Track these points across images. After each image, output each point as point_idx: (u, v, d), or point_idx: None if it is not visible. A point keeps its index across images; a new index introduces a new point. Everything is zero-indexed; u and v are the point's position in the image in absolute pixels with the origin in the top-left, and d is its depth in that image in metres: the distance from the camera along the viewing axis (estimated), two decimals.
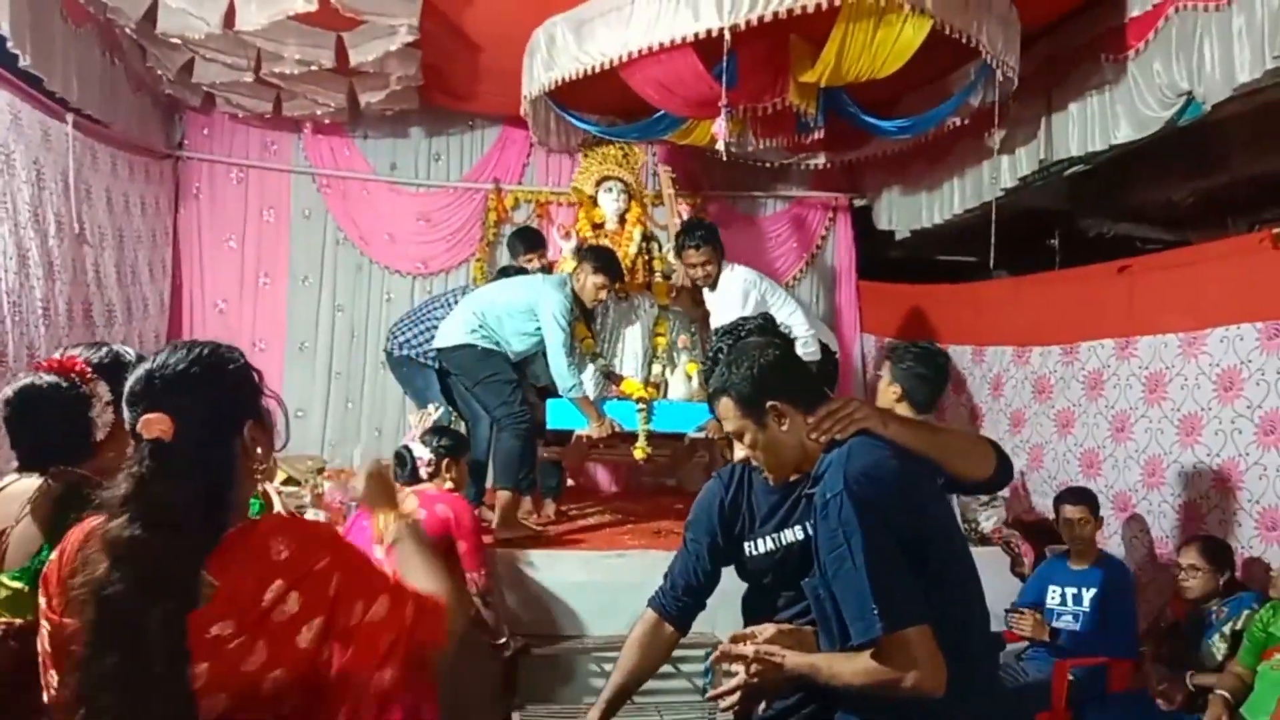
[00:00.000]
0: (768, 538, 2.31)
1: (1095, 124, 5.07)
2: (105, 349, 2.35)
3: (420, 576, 1.63)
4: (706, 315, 5.52)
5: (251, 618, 1.41)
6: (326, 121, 6.44)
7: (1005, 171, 5.70)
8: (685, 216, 6.14)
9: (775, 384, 2.15)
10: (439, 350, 5.05)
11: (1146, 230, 6.65)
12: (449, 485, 4.06)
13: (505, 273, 5.78)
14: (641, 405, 5.26)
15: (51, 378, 2.20)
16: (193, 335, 6.39)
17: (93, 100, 5.01)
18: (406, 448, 4.08)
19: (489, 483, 5.13)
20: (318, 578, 1.45)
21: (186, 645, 1.36)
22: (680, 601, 2.46)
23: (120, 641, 1.36)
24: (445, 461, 4.02)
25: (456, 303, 5.31)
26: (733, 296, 5.16)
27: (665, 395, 5.55)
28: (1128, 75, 4.80)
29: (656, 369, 5.78)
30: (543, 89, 5.10)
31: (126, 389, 1.52)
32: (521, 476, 4.89)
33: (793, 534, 2.26)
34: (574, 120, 5.88)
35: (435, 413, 5.45)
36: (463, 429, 5.69)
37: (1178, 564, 4.17)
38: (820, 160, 6.60)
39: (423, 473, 4.01)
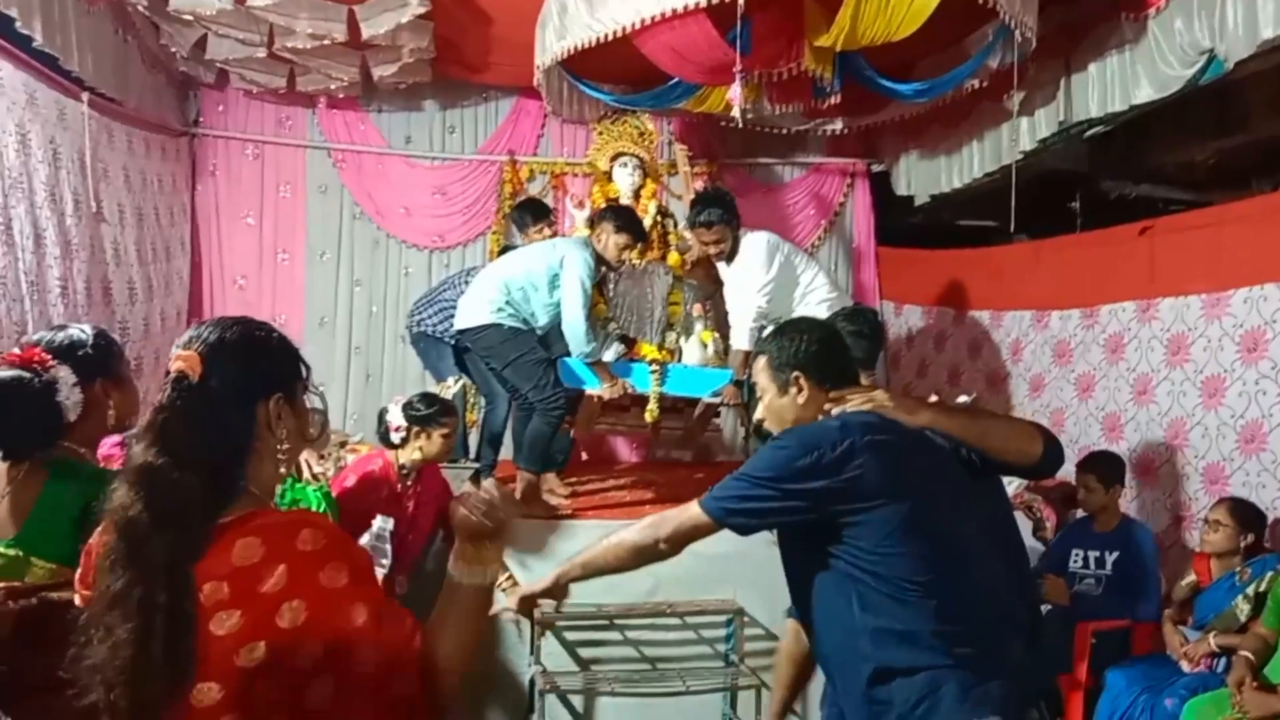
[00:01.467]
0: None
1: (1115, 84, 5.00)
2: (62, 332, 2.39)
3: (451, 630, 1.56)
4: (721, 286, 5.48)
5: (248, 592, 1.40)
6: (340, 96, 6.43)
7: (1024, 134, 5.64)
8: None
9: (807, 359, 2.35)
10: (461, 331, 4.88)
11: (1167, 191, 6.57)
12: (417, 455, 4.08)
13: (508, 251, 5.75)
14: (655, 367, 5.22)
15: (13, 372, 2.23)
16: (213, 312, 6.47)
17: (107, 79, 5.02)
18: (385, 409, 4.14)
19: (503, 456, 5.17)
20: (325, 591, 1.43)
21: (193, 575, 1.37)
22: None
23: (132, 563, 1.36)
24: (415, 429, 4.03)
25: (467, 282, 5.26)
26: (755, 263, 5.03)
27: (679, 361, 5.55)
28: (1148, 34, 4.73)
29: (671, 336, 5.80)
30: (555, 59, 5.08)
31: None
32: (548, 458, 4.84)
33: None
34: (588, 90, 5.85)
35: (455, 385, 5.50)
36: (481, 403, 5.76)
37: (1204, 519, 4.16)
38: (837, 126, 6.54)
39: (394, 437, 4.04)
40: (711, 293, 5.78)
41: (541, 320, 4.81)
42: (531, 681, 4.23)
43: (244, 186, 6.58)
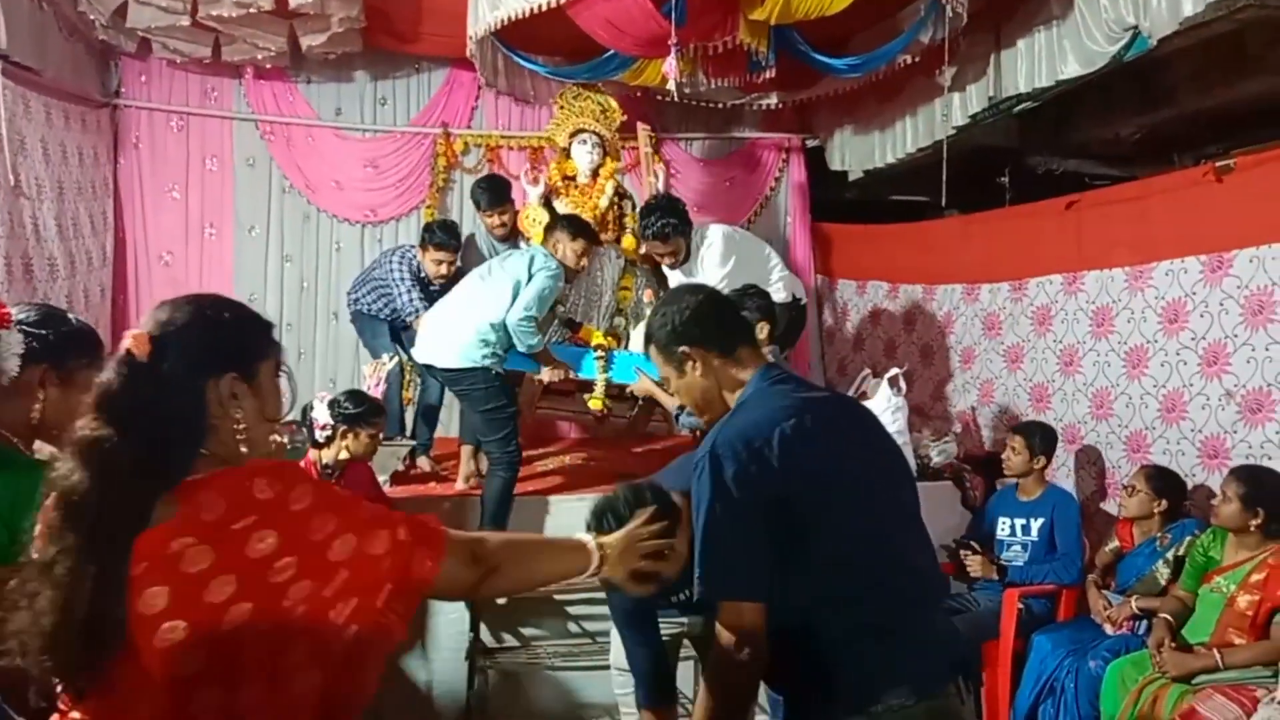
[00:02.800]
0: None
1: (1043, 60, 5.09)
2: (51, 309, 2.29)
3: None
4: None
5: (219, 542, 1.40)
6: (268, 66, 6.28)
7: (956, 109, 5.72)
8: (661, 176, 6.01)
9: (689, 331, 2.24)
10: (442, 369, 4.51)
11: (1094, 166, 6.71)
12: (344, 455, 4.01)
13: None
14: (601, 353, 5.07)
15: None
16: (138, 289, 6.32)
17: (22, 46, 4.83)
18: (310, 404, 4.00)
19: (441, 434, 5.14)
20: (299, 518, 1.45)
21: (131, 546, 1.36)
22: None
23: (66, 532, 1.36)
24: (342, 429, 3.95)
25: (399, 261, 5.22)
26: (711, 261, 5.04)
27: (625, 348, 5.37)
28: (1075, 10, 4.82)
29: (619, 321, 5.68)
30: (489, 29, 5.01)
31: None
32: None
33: None
34: (522, 61, 5.79)
35: (390, 362, 5.43)
36: (418, 380, 5.70)
37: (1131, 496, 4.27)
38: (772, 100, 6.56)
39: (319, 435, 3.92)
40: (665, 279, 5.68)
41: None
42: (470, 658, 4.23)
43: (169, 159, 6.39)
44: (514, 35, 5.37)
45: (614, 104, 5.90)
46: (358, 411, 3.99)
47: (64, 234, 5.44)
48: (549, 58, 5.96)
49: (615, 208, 5.80)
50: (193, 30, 5.65)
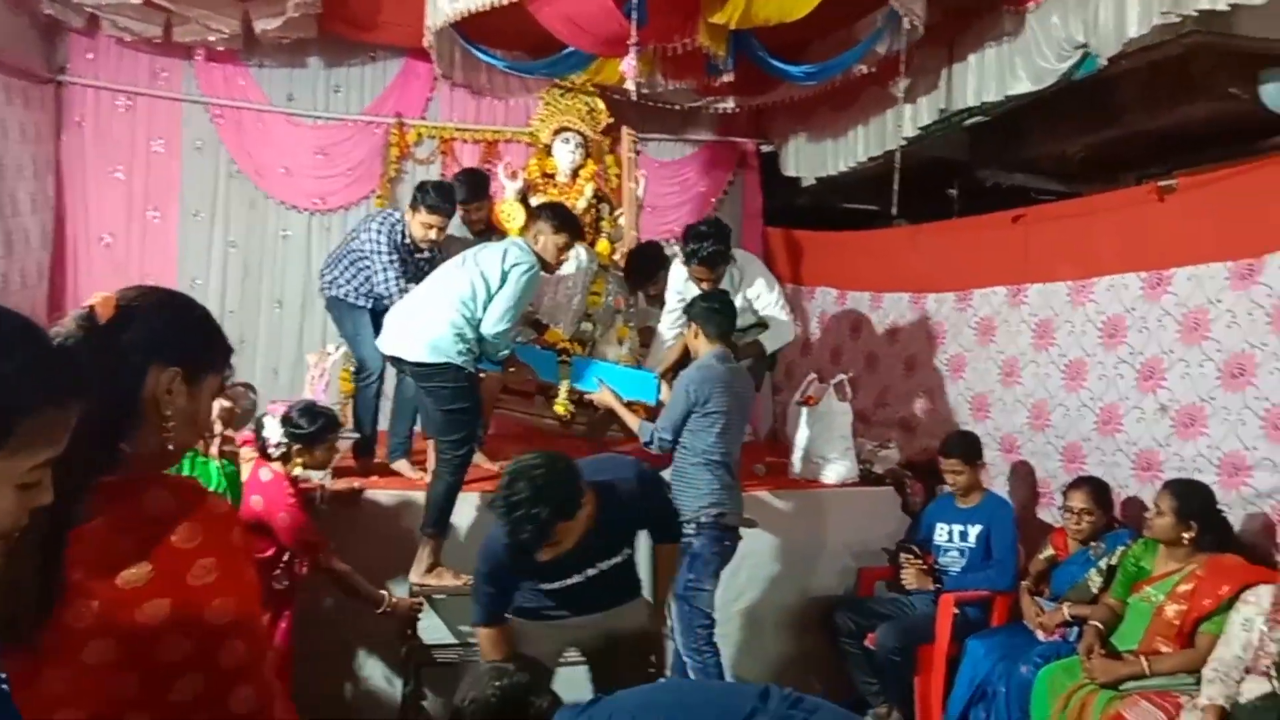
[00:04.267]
0: None
1: (993, 75, 5.18)
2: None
3: None
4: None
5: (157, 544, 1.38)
6: (220, 49, 6.18)
7: (908, 120, 5.80)
8: (642, 183, 5.92)
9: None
10: (412, 363, 4.19)
11: (1041, 182, 6.84)
12: (298, 470, 3.94)
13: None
14: (564, 358, 4.87)
15: None
16: (77, 270, 6.18)
17: None
18: (262, 420, 3.90)
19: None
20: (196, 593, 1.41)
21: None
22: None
23: None
24: (296, 448, 3.87)
25: (379, 229, 4.73)
26: (764, 288, 4.98)
27: (591, 354, 5.23)
28: (1027, 27, 4.91)
29: (586, 326, 5.49)
30: (447, 20, 4.98)
31: None
32: (447, 520, 4.32)
33: None
34: (480, 54, 5.75)
35: (335, 354, 5.36)
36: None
37: (1067, 507, 4.34)
38: (729, 104, 6.60)
39: (270, 452, 3.83)
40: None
41: (505, 349, 4.40)
42: (407, 656, 4.20)
43: (114, 139, 6.27)
44: (472, 28, 5.34)
45: (601, 105, 5.83)
46: (311, 431, 3.88)
47: (2, 212, 5.31)
48: (507, 52, 5.93)
49: (593, 210, 5.69)
50: (144, 9, 5.56)
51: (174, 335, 1.49)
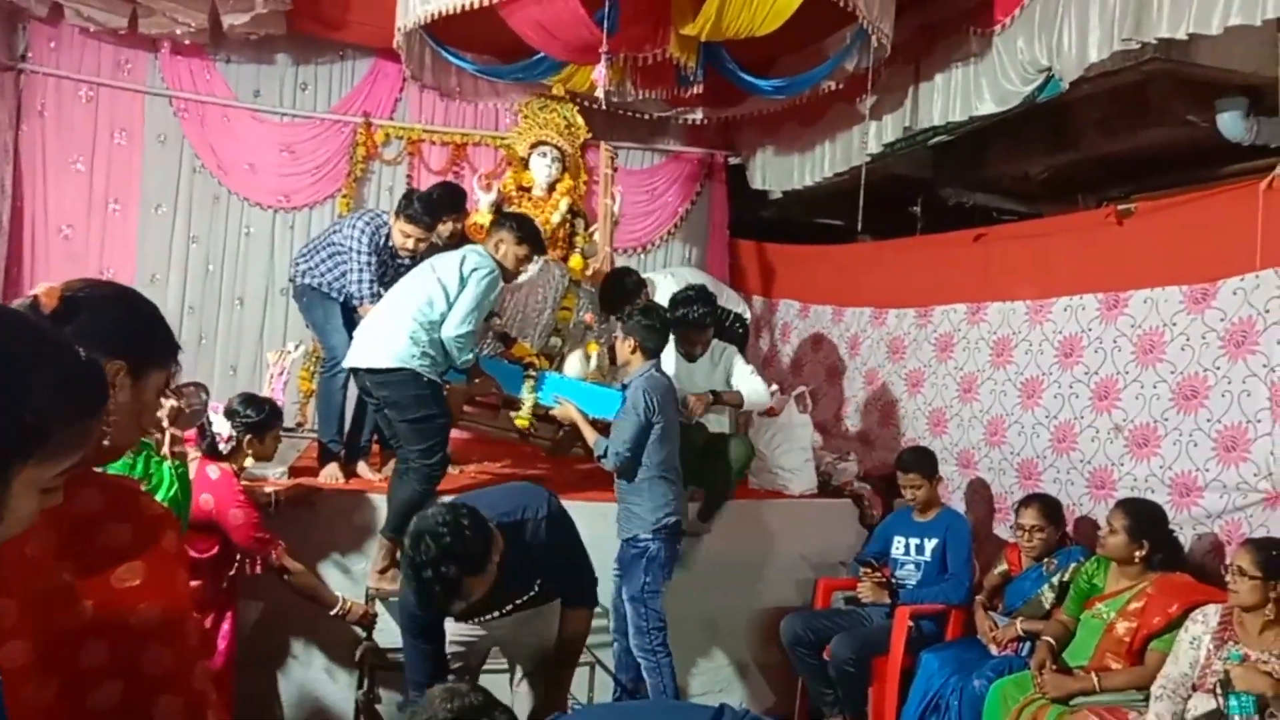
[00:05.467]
0: None
1: (958, 95, 5.25)
2: None
3: None
4: None
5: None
6: (186, 42, 6.10)
7: (873, 137, 5.85)
8: (619, 199, 5.85)
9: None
10: (368, 370, 4.13)
11: (1002, 201, 6.92)
12: (249, 461, 3.92)
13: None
14: (532, 373, 4.81)
15: None
16: (34, 260, 6.07)
17: None
18: (209, 419, 3.81)
19: None
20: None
21: None
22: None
23: None
24: (247, 438, 3.84)
25: (363, 229, 4.66)
26: (745, 373, 4.97)
27: (558, 369, 5.19)
28: (993, 49, 4.98)
29: (555, 341, 5.45)
30: (418, 22, 4.97)
31: None
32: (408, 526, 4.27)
33: None
34: (450, 57, 5.76)
35: (295, 352, 5.31)
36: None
37: (1019, 524, 4.40)
38: (698, 115, 6.64)
39: (221, 447, 3.78)
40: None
41: (465, 356, 4.27)
42: (360, 658, 4.16)
43: (75, 130, 6.16)
44: (443, 30, 5.33)
45: (580, 121, 5.79)
46: (260, 419, 3.86)
47: None
48: (478, 56, 5.93)
49: (567, 224, 5.66)
50: None
51: (120, 329, 1.46)
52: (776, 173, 7.03)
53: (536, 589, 3.18)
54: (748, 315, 5.83)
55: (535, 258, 4.50)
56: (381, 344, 4.07)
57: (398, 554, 4.15)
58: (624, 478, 4.20)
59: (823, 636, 4.53)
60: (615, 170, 6.01)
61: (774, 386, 5.62)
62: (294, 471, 4.87)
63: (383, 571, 4.20)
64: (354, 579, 4.40)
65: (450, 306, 4.09)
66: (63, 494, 1.19)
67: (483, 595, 2.92)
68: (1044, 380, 4.84)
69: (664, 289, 5.31)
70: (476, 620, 3.20)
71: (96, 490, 1.40)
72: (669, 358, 4.71)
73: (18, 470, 1.03)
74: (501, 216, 4.60)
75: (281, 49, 6.42)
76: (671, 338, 4.63)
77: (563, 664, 3.35)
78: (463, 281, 4.11)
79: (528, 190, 5.66)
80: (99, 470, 1.47)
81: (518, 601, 3.16)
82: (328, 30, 6.20)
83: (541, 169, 5.61)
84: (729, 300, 5.73)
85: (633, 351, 4.31)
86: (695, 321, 4.74)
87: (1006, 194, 6.85)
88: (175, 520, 1.48)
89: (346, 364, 4.33)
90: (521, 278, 4.71)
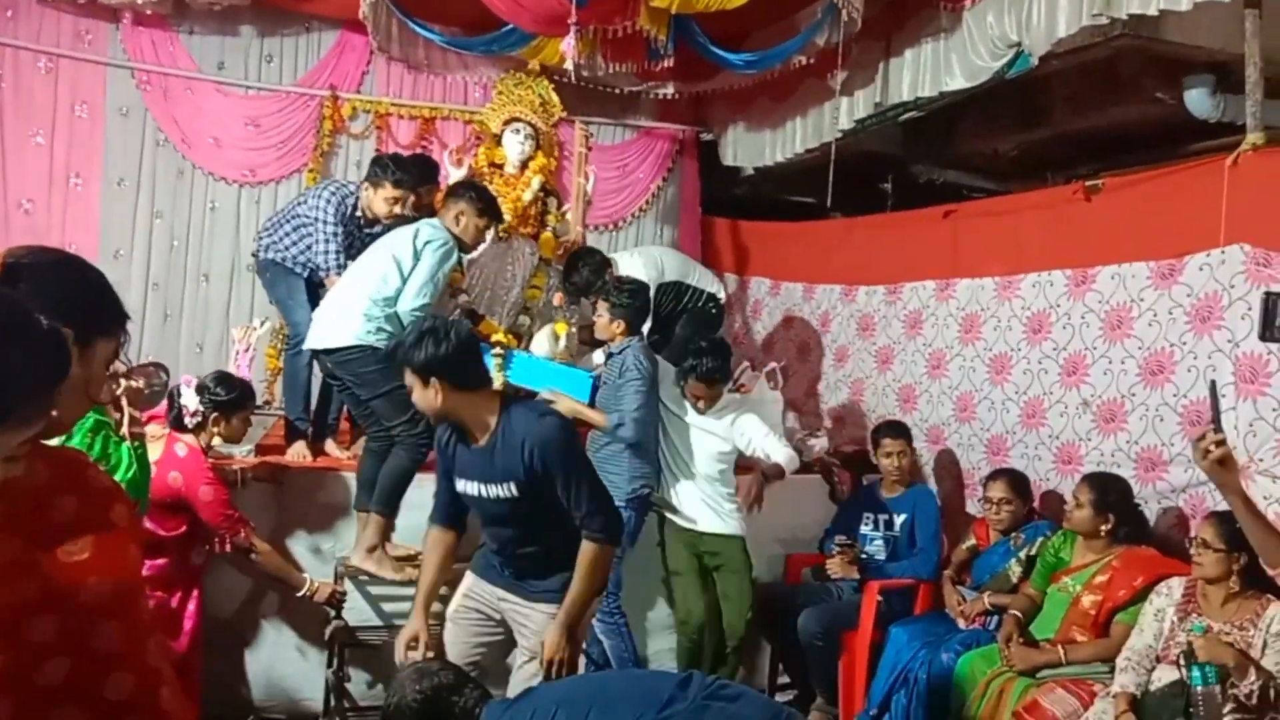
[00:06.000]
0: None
1: (928, 71, 5.25)
2: None
3: None
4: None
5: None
6: (149, 13, 5.98)
7: (844, 114, 5.84)
8: (592, 179, 5.78)
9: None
10: (324, 351, 4.12)
11: (972, 179, 6.93)
12: (216, 440, 3.88)
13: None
14: (499, 351, 4.71)
15: None
16: None
17: None
18: (177, 389, 3.78)
19: None
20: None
21: None
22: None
23: None
24: (214, 415, 3.79)
25: (330, 199, 4.58)
26: (756, 427, 4.61)
27: (526, 348, 5.11)
28: (962, 25, 4.97)
29: (523, 320, 5.42)
30: None
31: None
32: (399, 501, 4.12)
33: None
34: (417, 28, 5.69)
35: (260, 329, 5.25)
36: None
37: (987, 497, 4.44)
38: (669, 90, 6.60)
39: (187, 421, 3.74)
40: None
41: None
42: (330, 637, 4.14)
43: (34, 102, 6.02)
44: (410, 1, 5.25)
45: (555, 98, 5.69)
46: (229, 398, 3.82)
47: None
48: (445, 27, 5.86)
49: (540, 203, 5.56)
50: None
51: (65, 296, 1.42)
52: (748, 149, 7.01)
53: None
54: (722, 295, 5.77)
55: (493, 228, 4.46)
56: (337, 324, 4.04)
57: (386, 532, 4.13)
58: (636, 443, 4.22)
59: (793, 612, 4.55)
60: (590, 149, 5.96)
61: (745, 364, 5.63)
62: (261, 449, 4.83)
63: (371, 550, 4.08)
64: (323, 559, 4.38)
65: (405, 281, 4.03)
66: (21, 465, 1.18)
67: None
68: (1013, 356, 4.86)
69: (629, 267, 5.26)
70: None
71: (43, 463, 1.37)
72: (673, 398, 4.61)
73: None
74: (458, 186, 4.49)
75: (246, 20, 6.30)
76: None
77: None
78: (416, 255, 4.06)
79: (500, 167, 5.56)
80: (44, 445, 1.43)
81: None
82: (293, 1, 6.10)
83: (515, 146, 5.51)
84: (703, 279, 5.68)
85: (621, 330, 4.37)
86: (706, 376, 4.45)
87: (977, 171, 6.85)
88: (125, 494, 1.45)
89: (306, 346, 4.29)
90: (480, 248, 4.68)
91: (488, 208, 4.28)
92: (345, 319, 4.03)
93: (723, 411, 4.56)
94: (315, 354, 4.27)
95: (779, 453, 4.51)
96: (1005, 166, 6.61)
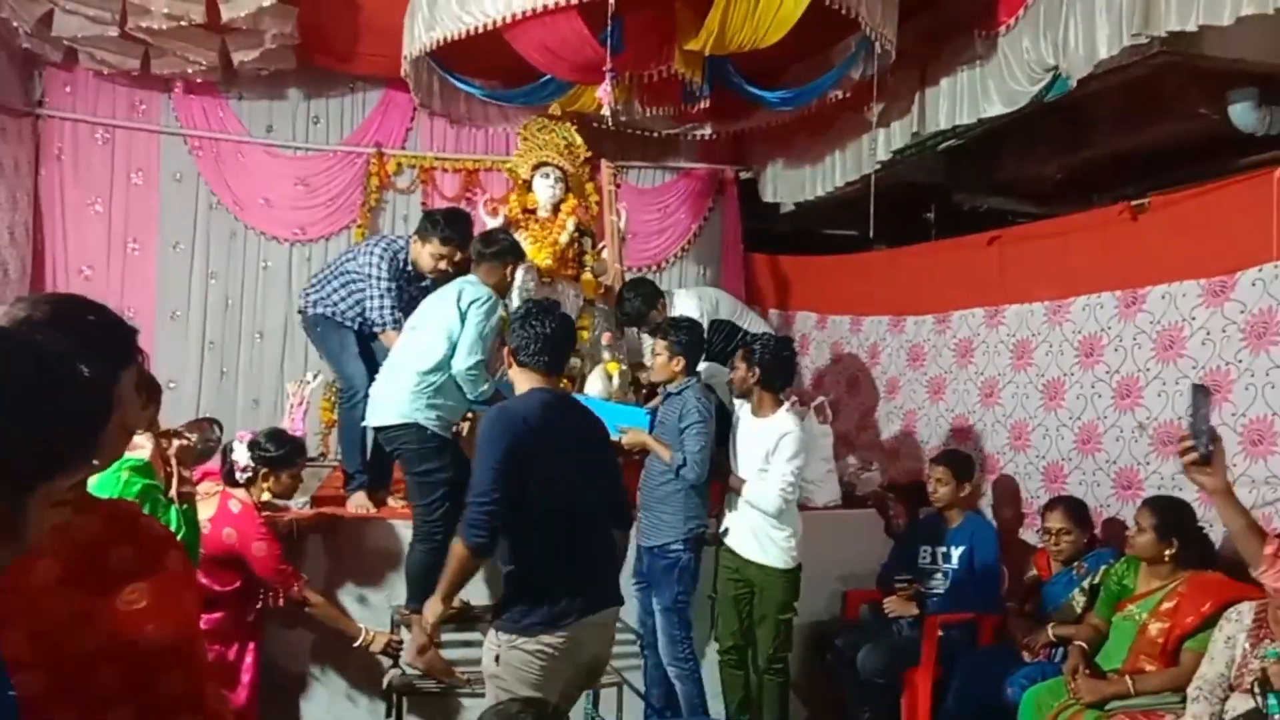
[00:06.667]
0: None
1: (965, 98, 5.23)
2: None
3: None
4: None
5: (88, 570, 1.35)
6: (199, 80, 6.18)
7: (882, 145, 5.83)
8: (624, 216, 5.83)
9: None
10: (378, 428, 4.24)
11: (1017, 204, 6.87)
12: (266, 495, 3.93)
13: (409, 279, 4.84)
14: None
15: None
16: None
17: None
18: (231, 445, 3.90)
19: None
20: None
21: None
22: None
23: None
24: (264, 471, 3.85)
25: (381, 255, 4.63)
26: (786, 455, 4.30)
27: (580, 391, 5.14)
28: (998, 51, 4.96)
29: (574, 362, 5.36)
30: (424, 49, 5.01)
31: None
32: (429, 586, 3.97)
33: None
34: (457, 82, 5.79)
35: (314, 382, 5.33)
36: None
37: (1045, 528, 4.36)
38: (707, 131, 6.63)
39: (239, 476, 3.82)
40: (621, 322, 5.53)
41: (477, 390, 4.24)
42: (389, 684, 4.15)
43: (93, 172, 6.25)
44: (449, 57, 5.37)
45: (579, 139, 5.72)
46: (279, 454, 3.89)
47: None
48: (485, 80, 5.96)
49: (575, 244, 5.59)
50: (121, 41, 5.56)
51: (86, 337, 1.43)
52: (788, 185, 7.02)
53: None
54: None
55: (518, 267, 4.55)
56: (388, 401, 4.13)
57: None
58: (697, 484, 4.25)
59: (853, 648, 4.49)
60: (618, 186, 6.01)
61: (794, 398, 5.60)
62: (317, 500, 4.89)
63: (421, 650, 3.86)
64: (372, 609, 4.38)
65: (452, 346, 4.10)
66: (70, 509, 1.20)
67: None
68: (1065, 381, 4.79)
69: (683, 303, 5.33)
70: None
71: (97, 515, 1.41)
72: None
73: (38, 489, 1.06)
74: (473, 246, 4.48)
75: (292, 83, 6.49)
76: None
77: None
78: (462, 317, 4.12)
79: (533, 212, 5.61)
80: (96, 497, 1.47)
81: None
82: (337, 63, 6.27)
83: (545, 190, 5.53)
84: (753, 322, 5.70)
85: (680, 369, 4.40)
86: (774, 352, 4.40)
87: (1021, 196, 6.79)
88: (178, 542, 1.48)
89: (365, 424, 4.38)
90: (514, 289, 4.75)
91: (502, 252, 4.34)
92: (394, 397, 4.11)
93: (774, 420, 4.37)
94: (377, 430, 4.34)
95: (766, 493, 4.23)
96: (1050, 190, 6.54)
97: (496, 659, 2.90)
